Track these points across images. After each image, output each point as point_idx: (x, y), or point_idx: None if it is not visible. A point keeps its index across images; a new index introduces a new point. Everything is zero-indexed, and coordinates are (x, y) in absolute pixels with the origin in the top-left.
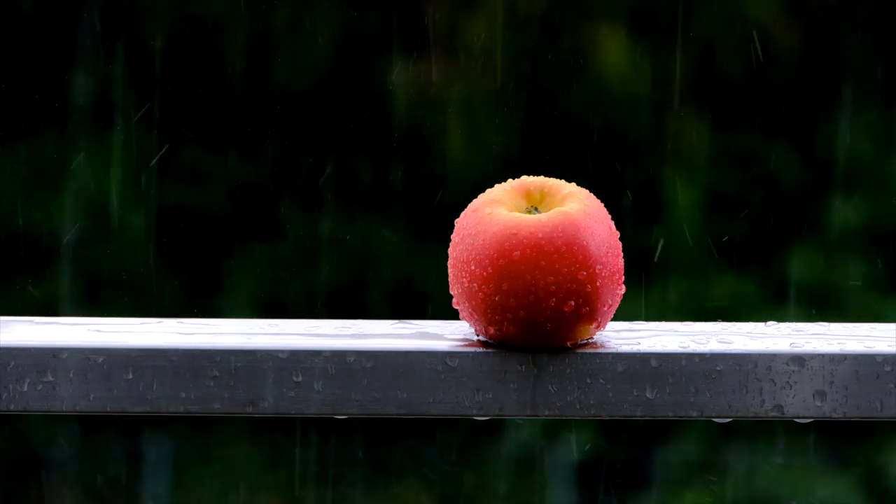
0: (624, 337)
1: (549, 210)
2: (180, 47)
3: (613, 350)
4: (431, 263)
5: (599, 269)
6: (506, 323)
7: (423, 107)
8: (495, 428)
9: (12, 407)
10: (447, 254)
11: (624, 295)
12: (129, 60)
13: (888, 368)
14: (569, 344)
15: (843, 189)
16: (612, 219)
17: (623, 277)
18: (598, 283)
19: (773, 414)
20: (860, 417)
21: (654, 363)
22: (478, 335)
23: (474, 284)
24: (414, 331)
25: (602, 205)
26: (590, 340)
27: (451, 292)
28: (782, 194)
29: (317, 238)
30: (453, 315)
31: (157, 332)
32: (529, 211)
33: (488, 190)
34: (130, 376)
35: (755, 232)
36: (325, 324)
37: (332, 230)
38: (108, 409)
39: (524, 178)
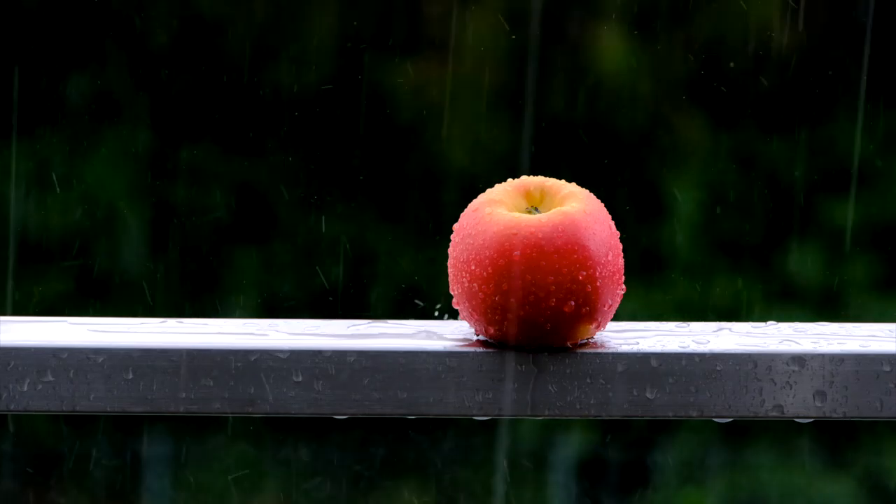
0: (624, 337)
1: (549, 210)
2: (182, 47)
3: (613, 350)
4: (431, 263)
5: (599, 270)
6: (506, 323)
7: (423, 106)
8: (495, 428)
9: (12, 407)
10: (447, 253)
11: (624, 295)
12: (129, 60)
13: (888, 368)
14: (569, 344)
15: (843, 188)
16: (612, 218)
17: (623, 277)
18: (598, 283)
19: (773, 414)
20: (860, 417)
21: (654, 363)
22: (478, 335)
23: (474, 284)
24: (414, 331)
25: (602, 205)
26: (590, 340)
27: (451, 292)
28: (783, 193)
29: (317, 238)
30: (453, 315)
31: (157, 332)
32: (529, 211)
33: (488, 190)
34: (130, 376)
35: (755, 231)
36: (325, 324)
37: (332, 230)
38: (108, 409)
39: (524, 177)
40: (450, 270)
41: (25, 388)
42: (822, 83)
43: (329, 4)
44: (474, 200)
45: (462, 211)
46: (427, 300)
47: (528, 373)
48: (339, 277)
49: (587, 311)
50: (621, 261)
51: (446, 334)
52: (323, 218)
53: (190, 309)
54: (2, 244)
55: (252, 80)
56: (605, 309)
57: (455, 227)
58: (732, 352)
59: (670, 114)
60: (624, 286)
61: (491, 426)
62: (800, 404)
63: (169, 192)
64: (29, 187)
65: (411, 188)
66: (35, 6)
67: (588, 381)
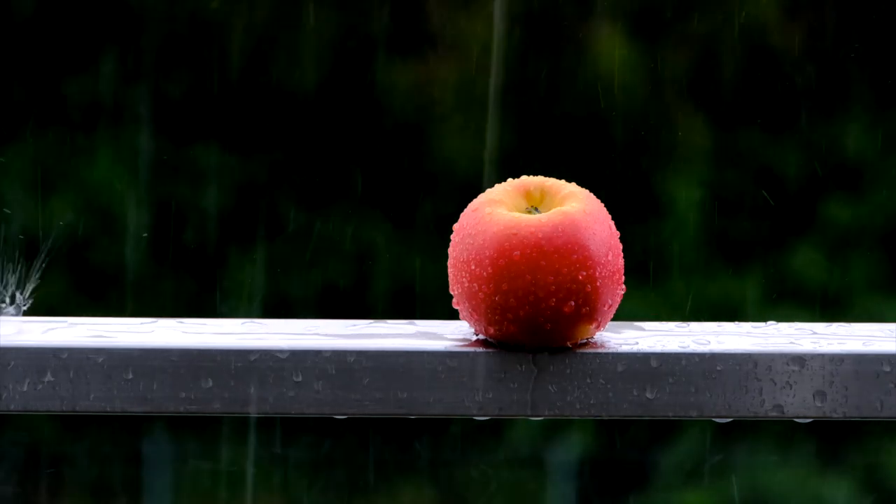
0: (624, 337)
1: (549, 210)
2: (180, 46)
3: (613, 350)
4: (431, 263)
5: (599, 269)
6: (506, 323)
7: (422, 106)
8: (495, 427)
9: (12, 407)
10: (447, 253)
11: (624, 294)
12: (128, 59)
13: (888, 368)
14: (569, 344)
15: (844, 188)
16: (612, 218)
17: (623, 277)
18: (598, 283)
19: (773, 414)
20: (860, 417)
21: (654, 363)
22: (478, 335)
23: (474, 284)
24: (414, 331)
25: (602, 204)
26: (590, 340)
27: (451, 292)
28: (783, 193)
29: (316, 237)
30: (453, 315)
31: (157, 332)
32: (529, 211)
33: (488, 190)
34: (130, 376)
35: (756, 231)
36: (325, 324)
37: (332, 229)
38: (108, 409)
39: (524, 177)
40: (450, 270)
41: (25, 388)
42: (822, 83)
43: (329, 3)
44: (474, 200)
45: (462, 211)
46: (427, 300)
47: (528, 373)
48: (339, 277)
49: (587, 311)
50: (621, 261)
51: (446, 334)
52: (323, 218)
53: (190, 309)
54: (1, 244)
55: (252, 79)
56: (605, 309)
57: (455, 227)
58: (732, 352)
59: (670, 114)
60: (624, 286)
61: (491, 426)
62: (800, 404)
63: (169, 192)
64: (28, 187)
65: (411, 188)
66: (31, 10)
67: (588, 381)
